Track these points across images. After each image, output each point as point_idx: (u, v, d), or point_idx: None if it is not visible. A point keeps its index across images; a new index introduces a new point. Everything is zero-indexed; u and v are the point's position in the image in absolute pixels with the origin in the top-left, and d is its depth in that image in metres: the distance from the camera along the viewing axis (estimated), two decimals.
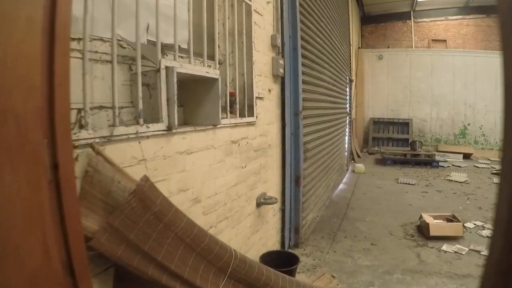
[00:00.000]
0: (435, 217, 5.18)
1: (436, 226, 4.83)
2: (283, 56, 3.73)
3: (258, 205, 3.22)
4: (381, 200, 6.77)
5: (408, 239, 4.79)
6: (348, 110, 9.16)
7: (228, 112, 2.60)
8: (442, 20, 15.12)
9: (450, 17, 15.09)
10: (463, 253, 4.34)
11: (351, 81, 9.86)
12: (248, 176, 3.01)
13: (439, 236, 4.72)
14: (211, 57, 2.52)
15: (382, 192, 7.34)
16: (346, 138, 9.12)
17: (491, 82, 12.29)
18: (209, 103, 2.34)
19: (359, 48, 12.94)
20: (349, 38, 9.78)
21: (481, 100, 12.30)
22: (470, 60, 12.52)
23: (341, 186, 7.71)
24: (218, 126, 2.42)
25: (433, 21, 15.16)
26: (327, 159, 6.14)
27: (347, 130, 9.17)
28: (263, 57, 3.33)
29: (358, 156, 10.85)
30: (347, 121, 9.20)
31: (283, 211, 3.97)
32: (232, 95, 2.71)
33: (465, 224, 5.30)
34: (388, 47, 14.19)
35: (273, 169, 3.66)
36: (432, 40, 15.09)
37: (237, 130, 2.75)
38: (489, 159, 11.66)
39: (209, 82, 2.32)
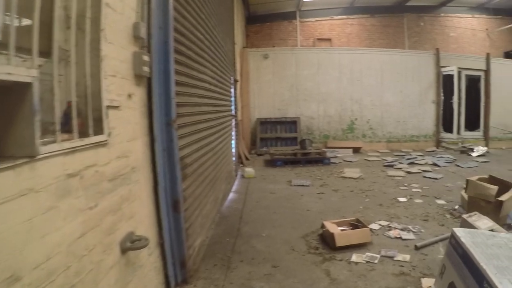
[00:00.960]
0: (339, 224, 4.89)
1: (342, 235, 4.44)
2: (149, 51, 2.90)
3: (124, 250, 2.42)
4: (276, 208, 6.29)
5: (312, 253, 4.32)
6: (233, 112, 8.62)
7: (59, 133, 1.72)
8: (327, 19, 15.53)
9: (335, 17, 15.54)
10: (376, 261, 4.07)
11: (236, 81, 9.38)
12: (102, 217, 2.15)
13: (346, 245, 4.35)
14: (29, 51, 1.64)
15: (276, 198, 6.91)
16: (233, 141, 8.59)
17: (376, 77, 12.73)
18: (22, 123, 1.50)
19: (244, 47, 12.55)
20: (234, 37, 9.27)
21: (367, 95, 12.72)
22: (356, 57, 12.95)
23: (231, 195, 7.09)
24: (39, 156, 1.55)
25: (319, 20, 15.50)
26: (213, 169, 5.40)
27: (233, 133, 8.64)
28: (119, 52, 2.46)
29: (247, 159, 10.43)
30: (233, 123, 8.67)
31: (162, 245, 3.19)
32: (69, 106, 1.88)
33: (370, 226, 5.12)
34: (274, 47, 14.08)
35: (142, 199, 2.83)
36: (317, 39, 15.35)
37: (77, 157, 1.88)
38: (378, 151, 12.04)
39: (16, 89, 1.48)
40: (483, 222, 4.35)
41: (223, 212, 6.00)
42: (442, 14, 16.92)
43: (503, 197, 5.11)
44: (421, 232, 5.08)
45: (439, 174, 9.07)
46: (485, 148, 12.79)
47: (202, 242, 4.41)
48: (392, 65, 13.09)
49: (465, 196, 5.84)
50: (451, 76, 13.55)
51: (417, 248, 4.47)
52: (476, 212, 4.66)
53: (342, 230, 4.67)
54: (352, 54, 12.94)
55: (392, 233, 4.99)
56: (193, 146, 4.18)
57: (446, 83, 13.75)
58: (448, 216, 5.87)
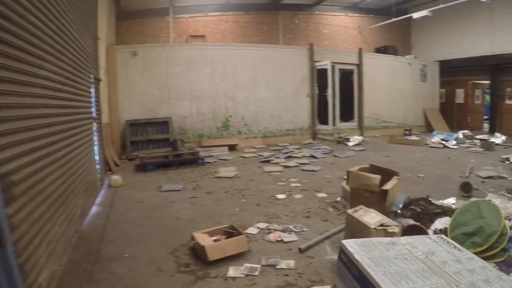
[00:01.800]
0: (211, 233, 4.37)
1: (215, 247, 3.94)
2: None
3: None
4: (143, 219, 5.51)
5: (183, 271, 3.76)
6: (94, 114, 7.80)
7: None
8: (201, 16, 15.28)
9: (209, 14, 15.32)
10: (256, 273, 3.66)
11: (98, 80, 8.59)
12: None
13: (221, 258, 3.88)
14: None
15: (144, 208, 6.09)
16: (96, 148, 7.77)
17: (250, 73, 12.67)
18: None
19: (112, 45, 11.80)
20: (96, 31, 8.50)
21: (241, 91, 12.56)
22: (229, 53, 12.66)
23: (94, 209, 6.13)
24: None
25: (193, 17, 15.20)
26: (63, 183, 4.50)
27: (95, 138, 7.77)
28: None
29: (117, 165, 9.59)
30: (95, 127, 7.85)
31: None
32: None
33: (248, 231, 4.76)
34: (144, 43, 13.51)
35: None
36: (191, 36, 15.05)
37: None
38: (254, 147, 11.98)
39: None
40: (371, 216, 4.07)
41: (83, 231, 5.09)
42: (317, 12, 17.57)
43: (387, 186, 5.03)
44: (304, 231, 4.83)
45: (317, 166, 9.11)
46: (360, 137, 13.43)
47: (53, 274, 3.59)
48: (266, 61, 13.08)
49: (347, 187, 5.65)
50: (325, 70, 13.89)
51: (301, 251, 4.18)
52: (362, 206, 4.35)
53: (215, 240, 4.21)
54: (225, 50, 12.70)
55: (273, 236, 4.65)
56: (25, 158, 3.31)
57: (320, 77, 14.10)
58: (330, 209, 5.74)
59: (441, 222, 4.80)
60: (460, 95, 19.26)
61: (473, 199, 6.00)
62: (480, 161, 10.01)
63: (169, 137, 11.31)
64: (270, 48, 13.63)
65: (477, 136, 14.42)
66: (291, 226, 4.97)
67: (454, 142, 13.21)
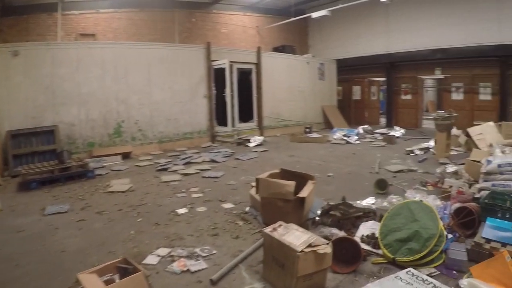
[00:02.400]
0: (101, 272, 3.37)
1: None
2: None
3: None
4: (21, 256, 4.49)
5: None
6: None
7: None
8: (92, 13, 14.45)
9: (101, 10, 14.53)
10: None
11: None
12: None
13: None
14: None
15: (23, 239, 5.07)
16: None
17: (144, 74, 12.14)
18: None
19: None
20: None
21: (133, 94, 11.91)
22: (121, 53, 11.88)
23: None
24: None
25: (83, 13, 14.32)
26: None
27: None
28: None
29: None
30: None
31: None
32: None
33: (146, 262, 4.15)
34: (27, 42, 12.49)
35: None
36: (80, 34, 14.18)
37: None
38: (150, 154, 11.53)
39: None
40: (294, 235, 3.64)
41: None
42: (215, 11, 17.42)
43: (303, 193, 4.73)
44: (213, 254, 4.33)
45: (219, 171, 8.89)
46: (261, 138, 13.53)
47: None
48: (161, 60, 12.57)
49: (257, 197, 5.35)
50: (223, 70, 13.76)
51: (213, 282, 3.70)
52: (281, 223, 3.93)
53: (106, 282, 3.24)
54: (117, 49, 11.92)
55: (177, 265, 4.04)
56: None
57: (218, 77, 13.92)
58: (240, 223, 5.38)
59: (367, 227, 4.74)
60: (357, 92, 20.30)
61: (392, 196, 6.21)
62: (386, 155, 10.53)
63: (56, 148, 10.31)
64: (165, 47, 13.10)
65: (377, 131, 15.24)
66: (197, 250, 4.42)
67: (356, 137, 13.87)
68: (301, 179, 5.17)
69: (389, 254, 4.03)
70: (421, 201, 4.73)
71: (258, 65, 15.14)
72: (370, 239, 4.43)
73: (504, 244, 3.99)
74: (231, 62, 13.96)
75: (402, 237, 4.06)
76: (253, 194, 5.65)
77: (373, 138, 14.27)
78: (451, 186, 6.37)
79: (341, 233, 4.53)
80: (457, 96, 16.53)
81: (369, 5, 15.75)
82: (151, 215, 5.91)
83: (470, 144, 9.73)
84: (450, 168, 7.00)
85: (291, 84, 16.85)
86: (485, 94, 15.67)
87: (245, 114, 15.14)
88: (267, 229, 3.81)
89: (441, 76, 17.69)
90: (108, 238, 4.99)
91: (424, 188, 7.04)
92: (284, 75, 16.48)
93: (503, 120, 12.50)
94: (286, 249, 3.46)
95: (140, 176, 8.81)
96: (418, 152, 10.86)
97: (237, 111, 14.66)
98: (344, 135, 14.06)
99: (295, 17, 17.84)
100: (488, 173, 5.76)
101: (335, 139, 13.73)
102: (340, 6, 15.44)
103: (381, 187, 6.79)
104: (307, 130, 15.55)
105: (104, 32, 14.56)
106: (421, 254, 3.86)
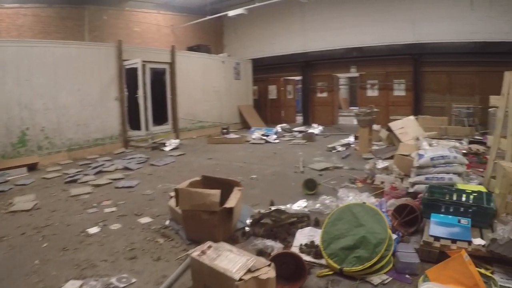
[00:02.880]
0: None
1: None
2: None
3: None
4: None
5: None
6: None
7: None
8: None
9: (5, 5, 13.13)
10: None
11: None
12: None
13: None
14: None
15: None
16: None
17: (49, 75, 10.90)
18: None
19: None
20: None
21: (39, 97, 10.52)
22: (23, 52, 10.41)
23: None
24: None
25: None
26: None
27: None
28: None
29: None
30: None
31: None
32: None
33: None
34: None
35: None
36: None
37: None
38: (59, 164, 10.36)
39: None
40: (228, 259, 3.12)
41: None
42: (127, 9, 16.50)
43: (230, 203, 4.28)
44: (132, 284, 3.70)
45: (133, 180, 8.08)
46: (177, 141, 12.93)
47: None
48: (69, 60, 11.37)
49: (178, 209, 4.74)
50: (135, 70, 12.88)
51: None
52: (210, 243, 3.47)
53: None
54: (19, 47, 10.44)
55: None
56: None
57: (130, 77, 13.01)
58: (160, 240, 4.73)
59: (304, 235, 4.37)
60: (273, 91, 20.33)
61: (324, 197, 5.87)
62: (308, 153, 10.45)
63: None
64: (73, 46, 11.84)
65: (295, 129, 15.29)
66: (113, 280, 3.73)
67: (275, 136, 13.75)
68: (226, 186, 4.72)
69: (335, 265, 3.68)
70: (364, 203, 4.46)
71: (172, 64, 14.51)
72: (310, 248, 4.07)
73: (454, 241, 3.92)
74: (144, 61, 13.12)
75: (347, 244, 3.73)
76: (173, 206, 5.02)
77: (292, 136, 14.31)
78: (382, 182, 6.34)
79: (277, 244, 4.16)
80: (372, 92, 17.20)
81: (286, 4, 15.83)
82: (59, 238, 4.99)
83: (392, 139, 9.89)
84: (381, 164, 6.92)
85: (207, 84, 16.41)
86: (399, 90, 16.53)
87: (160, 117, 14.39)
88: (195, 253, 3.28)
89: (356, 74, 18.22)
90: (8, 272, 4.07)
91: (353, 186, 6.95)
92: (199, 75, 16.00)
93: (418, 114, 13.17)
94: (220, 277, 2.96)
95: (47, 190, 7.70)
96: (340, 149, 10.98)
97: (151, 113, 13.85)
98: (263, 135, 13.92)
99: (210, 16, 17.46)
100: (421, 167, 5.80)
101: (254, 139, 13.52)
102: (257, 4, 15.32)
103: (310, 188, 6.56)
104: (224, 131, 15.20)
105: (7, 29, 13.09)
106: (372, 262, 3.55)
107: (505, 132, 5.76)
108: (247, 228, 4.63)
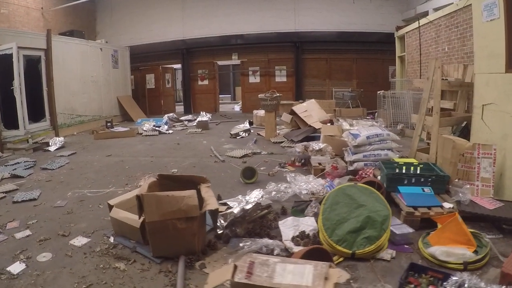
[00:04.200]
0: None
1: None
2: None
3: None
4: None
5: None
6: None
7: None
8: None
9: None
10: None
11: None
12: None
13: None
14: None
15: None
16: None
17: None
18: None
19: None
20: None
21: None
22: None
23: None
24: None
25: None
26: None
27: None
28: None
29: None
30: None
31: None
32: None
33: None
34: None
35: None
36: None
37: None
38: None
39: None
40: (288, 271, 2.59)
41: None
42: None
43: (211, 204, 3.64)
44: None
45: (32, 190, 6.44)
46: (61, 139, 11.41)
47: None
48: None
49: (131, 222, 3.93)
50: (8, 57, 11.11)
51: None
52: (249, 257, 2.78)
53: None
54: None
55: None
56: None
57: (1, 66, 11.24)
58: (121, 265, 3.61)
59: (288, 226, 4.13)
60: (151, 80, 19.60)
61: (280, 184, 5.70)
62: (213, 142, 10.31)
63: None
64: None
65: (183, 118, 15.02)
66: None
67: (166, 127, 13.30)
68: (188, 185, 4.02)
69: (345, 250, 3.59)
70: (356, 183, 4.50)
71: (48, 51, 12.93)
72: (305, 239, 3.81)
73: (429, 207, 4.30)
74: (19, 47, 11.49)
75: (354, 227, 3.65)
76: (118, 217, 4.13)
77: (183, 126, 14.01)
78: (320, 164, 6.53)
79: (275, 242, 3.77)
80: (254, 79, 17.58)
81: None
82: None
83: (297, 122, 10.22)
84: (315, 146, 7.04)
85: (85, 74, 15.06)
86: (281, 76, 17.28)
87: (36, 113, 12.62)
88: (238, 277, 2.57)
89: (238, 61, 18.46)
90: None
91: (286, 169, 7.03)
92: (77, 63, 14.62)
93: (299, 99, 13.98)
94: None
95: None
96: (243, 135, 10.99)
97: (26, 109, 11.89)
98: (154, 126, 13.37)
99: None
100: (358, 146, 6.11)
101: (145, 131, 12.92)
102: None
103: (248, 177, 6.43)
104: (109, 124, 14.24)
105: None
106: (382, 240, 3.59)
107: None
108: (219, 231, 4.06)
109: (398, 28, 14.76)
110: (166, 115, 15.02)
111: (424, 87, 6.84)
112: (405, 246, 3.79)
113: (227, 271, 2.69)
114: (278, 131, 10.63)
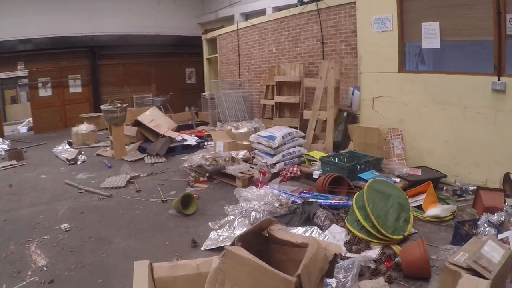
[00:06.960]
0: None
1: None
2: None
3: None
4: None
5: None
6: None
7: None
8: None
9: None
10: None
11: None
12: None
13: None
14: None
15: None
16: None
17: None
18: None
19: None
20: None
21: None
22: None
23: None
24: None
25: None
26: None
27: None
28: None
29: None
30: None
31: None
32: None
33: None
34: None
35: None
36: None
37: None
38: None
39: None
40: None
41: None
42: None
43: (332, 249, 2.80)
44: None
45: None
46: None
47: None
48: None
49: None
50: None
51: None
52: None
53: None
54: None
55: None
56: None
57: None
58: None
59: (335, 232, 4.28)
60: None
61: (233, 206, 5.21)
62: (53, 173, 8.37)
63: None
64: None
65: None
66: None
67: None
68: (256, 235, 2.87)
69: (399, 237, 4.13)
70: (378, 176, 5.53)
71: None
72: (358, 245, 4.05)
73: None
74: None
75: (395, 215, 4.24)
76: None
77: None
78: (242, 172, 6.61)
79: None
80: (45, 92, 15.47)
81: None
82: None
83: (144, 133, 9.93)
84: (224, 155, 7.05)
85: None
86: (76, 86, 15.96)
87: None
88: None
89: (25, 72, 15.99)
90: None
91: (197, 187, 6.64)
92: None
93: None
94: None
95: None
96: (82, 158, 9.58)
97: None
98: None
99: None
100: (277, 147, 6.80)
101: None
102: None
103: (188, 205, 5.54)
104: None
105: None
106: (412, 217, 4.45)
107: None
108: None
109: (207, 31, 15.75)
110: None
111: (317, 85, 8.07)
112: None
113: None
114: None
